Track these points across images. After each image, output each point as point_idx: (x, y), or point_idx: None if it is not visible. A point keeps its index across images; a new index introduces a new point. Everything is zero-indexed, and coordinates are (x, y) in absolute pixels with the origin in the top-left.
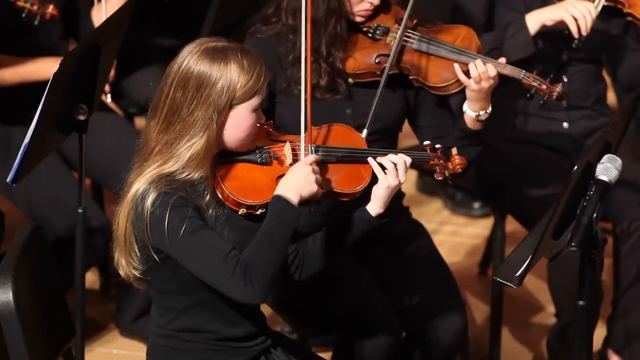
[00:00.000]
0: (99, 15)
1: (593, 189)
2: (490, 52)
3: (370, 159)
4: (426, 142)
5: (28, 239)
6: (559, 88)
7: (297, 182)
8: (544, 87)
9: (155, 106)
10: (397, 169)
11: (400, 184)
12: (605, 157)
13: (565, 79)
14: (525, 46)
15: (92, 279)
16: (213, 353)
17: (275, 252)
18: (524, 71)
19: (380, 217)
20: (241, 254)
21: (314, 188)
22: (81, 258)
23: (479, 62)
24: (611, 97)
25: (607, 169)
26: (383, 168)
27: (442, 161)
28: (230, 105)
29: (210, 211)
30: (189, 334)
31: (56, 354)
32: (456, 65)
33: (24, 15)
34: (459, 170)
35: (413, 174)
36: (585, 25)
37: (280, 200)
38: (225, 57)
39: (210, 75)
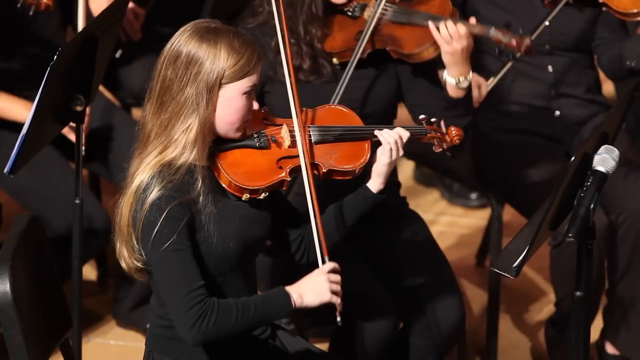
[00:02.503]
0: (96, 5)
1: (590, 180)
2: None
3: (377, 132)
4: (422, 116)
5: (26, 229)
6: (527, 41)
7: (307, 287)
8: (514, 41)
9: (150, 88)
10: (397, 143)
11: (398, 157)
12: (603, 148)
13: (551, 69)
14: None
15: (89, 270)
16: (212, 344)
17: (241, 324)
18: (493, 27)
19: (381, 192)
20: (210, 298)
21: (324, 298)
22: (78, 249)
23: (449, 22)
24: (609, 88)
25: (604, 159)
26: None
27: (439, 134)
28: (219, 84)
29: (202, 198)
30: None
31: (53, 345)
32: (430, 23)
33: (19, 5)
34: (457, 141)
35: (410, 164)
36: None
37: (283, 293)
38: (216, 36)
39: (199, 53)
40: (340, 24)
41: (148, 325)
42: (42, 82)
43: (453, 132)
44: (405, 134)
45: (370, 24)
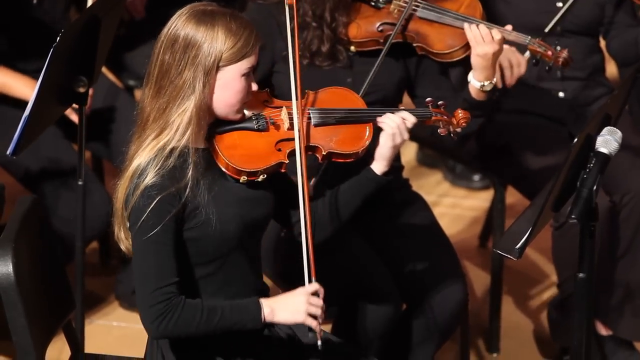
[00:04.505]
0: None
1: (593, 162)
2: None
3: (380, 117)
4: (428, 99)
5: (28, 211)
6: (564, 54)
7: (283, 304)
8: (550, 53)
9: (148, 72)
10: (400, 127)
11: (403, 141)
12: (605, 130)
13: (559, 49)
14: None
15: (92, 251)
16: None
17: (204, 326)
18: (529, 37)
19: (385, 175)
20: (178, 296)
21: (298, 318)
22: (81, 231)
23: (482, 25)
24: (612, 69)
25: (607, 141)
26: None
27: (445, 116)
28: (217, 67)
29: (199, 185)
30: None
31: (56, 327)
32: (466, 24)
33: None
34: (463, 124)
35: (413, 146)
36: (510, 78)
37: (255, 304)
38: (212, 19)
39: (196, 37)
40: (361, 13)
41: None
42: (45, 64)
43: (460, 114)
44: (410, 118)
45: (400, 23)
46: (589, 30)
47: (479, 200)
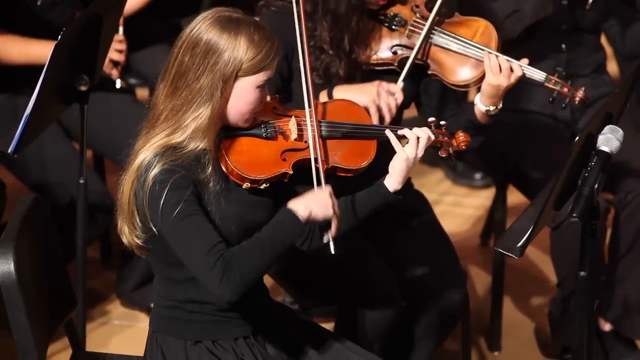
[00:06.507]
0: None
1: (594, 160)
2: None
3: (388, 132)
4: (431, 119)
5: (30, 209)
6: (580, 92)
7: (312, 200)
8: (566, 90)
9: (165, 68)
10: (418, 142)
11: (417, 158)
12: (607, 128)
13: (564, 47)
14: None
15: (93, 249)
16: (216, 325)
17: (262, 258)
18: (545, 74)
19: (396, 193)
20: (227, 249)
21: (329, 212)
22: (82, 229)
23: (502, 59)
24: (613, 67)
25: (609, 139)
26: (400, 139)
27: (446, 138)
28: (235, 77)
29: (211, 184)
30: (192, 305)
31: (57, 325)
32: (486, 52)
33: None
34: (463, 147)
35: None
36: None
37: (287, 212)
38: (237, 28)
39: (219, 44)
40: (374, 32)
41: (152, 305)
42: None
43: (460, 137)
44: (431, 135)
45: (416, 52)
46: (596, 27)
47: (481, 199)
